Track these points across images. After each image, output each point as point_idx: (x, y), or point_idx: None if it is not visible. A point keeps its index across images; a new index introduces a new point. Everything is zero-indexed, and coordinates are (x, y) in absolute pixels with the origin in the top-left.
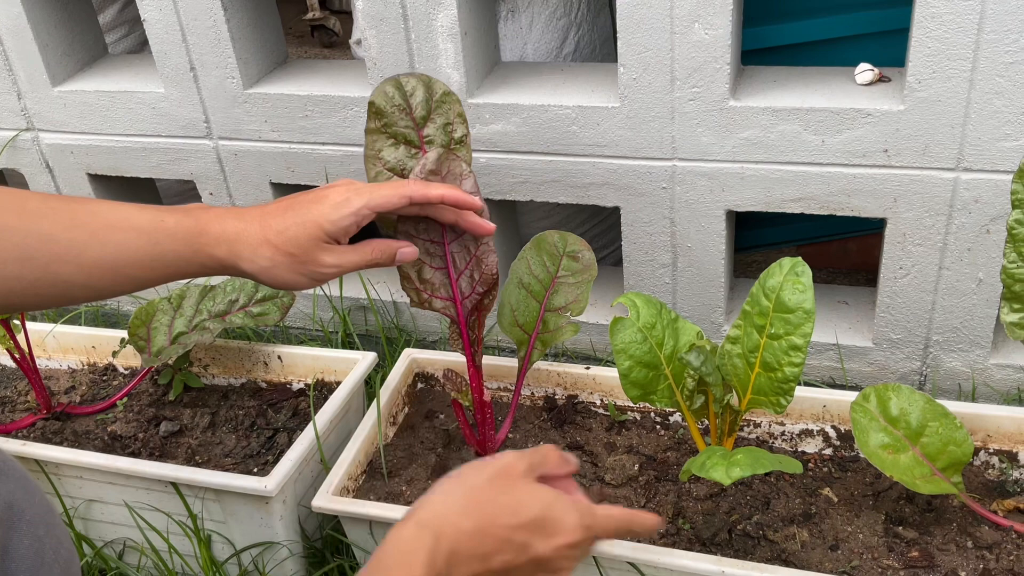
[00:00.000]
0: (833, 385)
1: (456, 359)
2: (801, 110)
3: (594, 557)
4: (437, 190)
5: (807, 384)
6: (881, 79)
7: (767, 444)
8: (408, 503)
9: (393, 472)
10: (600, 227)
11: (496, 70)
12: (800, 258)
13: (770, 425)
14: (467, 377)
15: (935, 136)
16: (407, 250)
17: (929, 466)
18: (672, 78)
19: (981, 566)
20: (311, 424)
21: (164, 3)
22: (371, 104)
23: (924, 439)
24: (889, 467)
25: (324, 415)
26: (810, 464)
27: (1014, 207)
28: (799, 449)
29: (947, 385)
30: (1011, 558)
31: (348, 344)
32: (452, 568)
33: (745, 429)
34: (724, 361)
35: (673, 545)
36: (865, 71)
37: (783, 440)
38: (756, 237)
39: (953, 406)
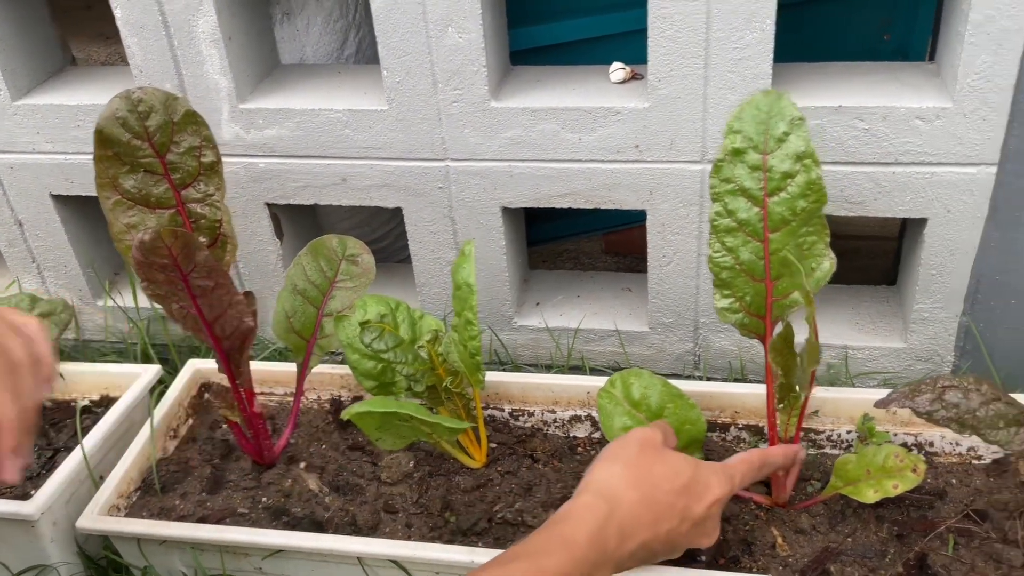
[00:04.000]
0: (616, 369)
1: None
2: (557, 109)
3: (358, 557)
4: None
5: (593, 371)
6: (634, 77)
7: (541, 431)
8: (181, 517)
9: (167, 487)
10: (403, 226)
11: (273, 74)
12: (471, 241)
13: (543, 413)
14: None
15: (680, 131)
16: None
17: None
18: (434, 81)
19: (720, 537)
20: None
21: None
22: (98, 132)
23: (664, 419)
24: None
25: (98, 432)
26: (579, 448)
27: (714, 201)
28: (571, 434)
29: (719, 363)
30: (747, 528)
31: (148, 357)
32: (624, 540)
33: (520, 419)
34: (450, 349)
35: (439, 538)
36: (617, 70)
37: (556, 427)
38: (566, 227)
39: (699, 386)
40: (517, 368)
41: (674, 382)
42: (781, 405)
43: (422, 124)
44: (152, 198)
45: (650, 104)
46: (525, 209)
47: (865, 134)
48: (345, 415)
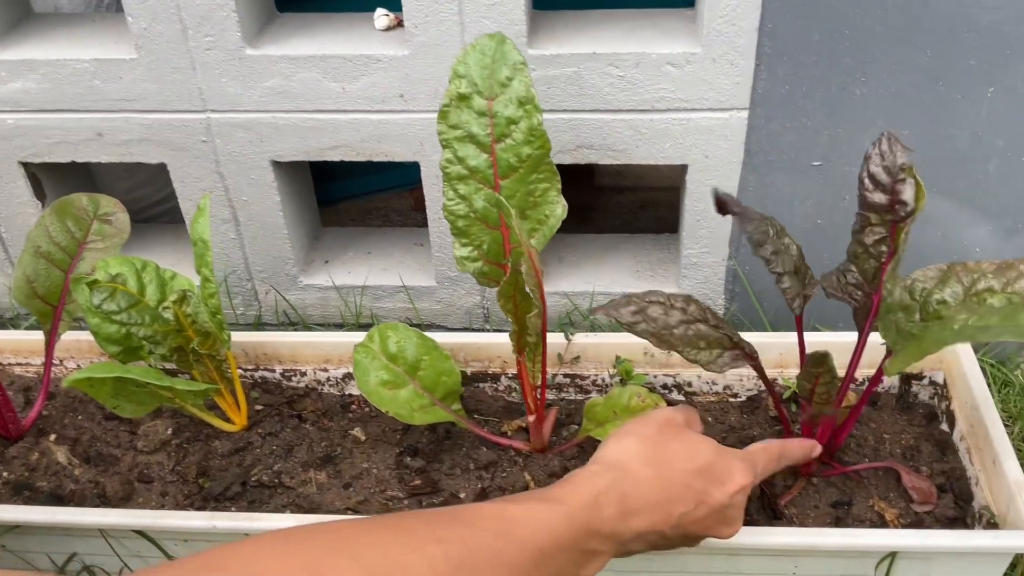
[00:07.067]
0: (411, 325)
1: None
2: (317, 57)
3: (100, 529)
4: None
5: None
6: (400, 24)
7: (316, 391)
8: None
9: None
10: None
11: (22, 25)
12: (207, 195)
13: (315, 372)
14: None
15: (442, 80)
16: None
17: (429, 397)
18: (183, 27)
19: (479, 486)
20: None
21: None
22: None
23: (421, 372)
24: (387, 403)
25: None
26: (353, 406)
27: (444, 148)
28: (346, 392)
29: None
30: (504, 475)
31: None
32: (628, 515)
33: (293, 379)
34: (199, 310)
35: (191, 505)
36: (381, 16)
37: (330, 385)
38: (372, 183)
39: (464, 337)
40: (308, 328)
41: (458, 335)
42: (523, 353)
43: (175, 74)
44: None
45: (410, 52)
46: (323, 164)
47: (621, 81)
48: (67, 383)
